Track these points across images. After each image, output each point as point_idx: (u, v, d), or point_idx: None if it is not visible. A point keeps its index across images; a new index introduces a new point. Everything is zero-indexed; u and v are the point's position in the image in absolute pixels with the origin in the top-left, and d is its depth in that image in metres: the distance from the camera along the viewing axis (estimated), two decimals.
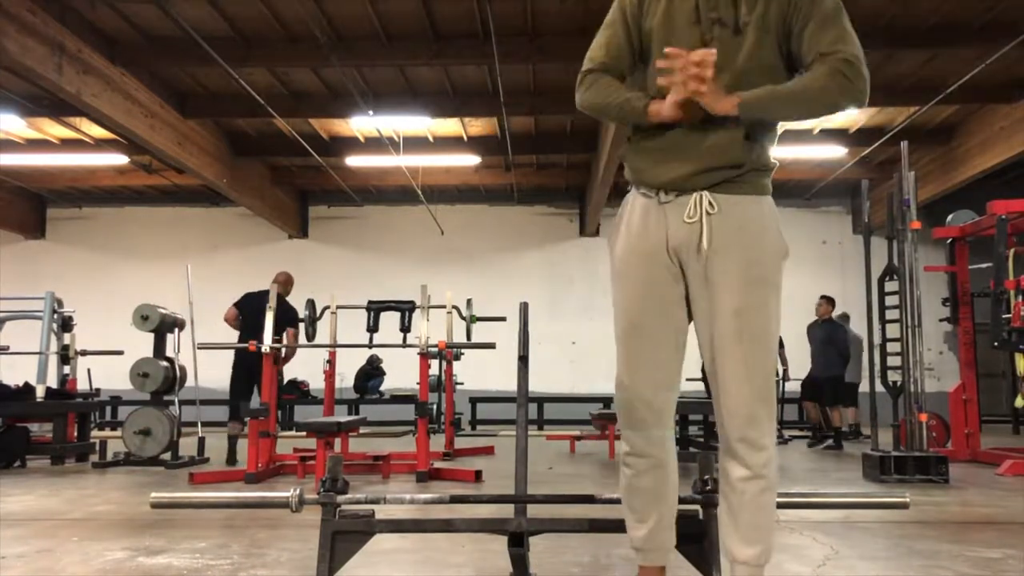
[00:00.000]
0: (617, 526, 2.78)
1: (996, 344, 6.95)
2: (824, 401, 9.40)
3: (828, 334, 9.47)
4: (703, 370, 2.22)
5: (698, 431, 8.91)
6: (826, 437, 9.30)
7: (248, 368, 7.22)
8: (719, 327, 2.07)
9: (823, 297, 9.73)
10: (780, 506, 2.56)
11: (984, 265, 8.05)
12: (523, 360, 2.75)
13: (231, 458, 7.31)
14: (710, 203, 2.07)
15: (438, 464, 6.80)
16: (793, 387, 10.59)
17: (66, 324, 9.55)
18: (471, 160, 12.88)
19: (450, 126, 11.90)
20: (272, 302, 6.64)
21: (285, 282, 7.77)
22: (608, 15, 2.25)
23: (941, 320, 10.81)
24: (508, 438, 10.66)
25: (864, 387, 7.25)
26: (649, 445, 2.14)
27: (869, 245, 6.90)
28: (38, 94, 9.59)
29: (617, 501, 2.70)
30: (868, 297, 6.88)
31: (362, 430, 9.16)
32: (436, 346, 6.87)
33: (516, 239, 15.36)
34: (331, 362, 7.60)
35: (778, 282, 2.11)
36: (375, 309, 7.25)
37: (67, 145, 12.18)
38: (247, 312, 7.56)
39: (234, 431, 7.53)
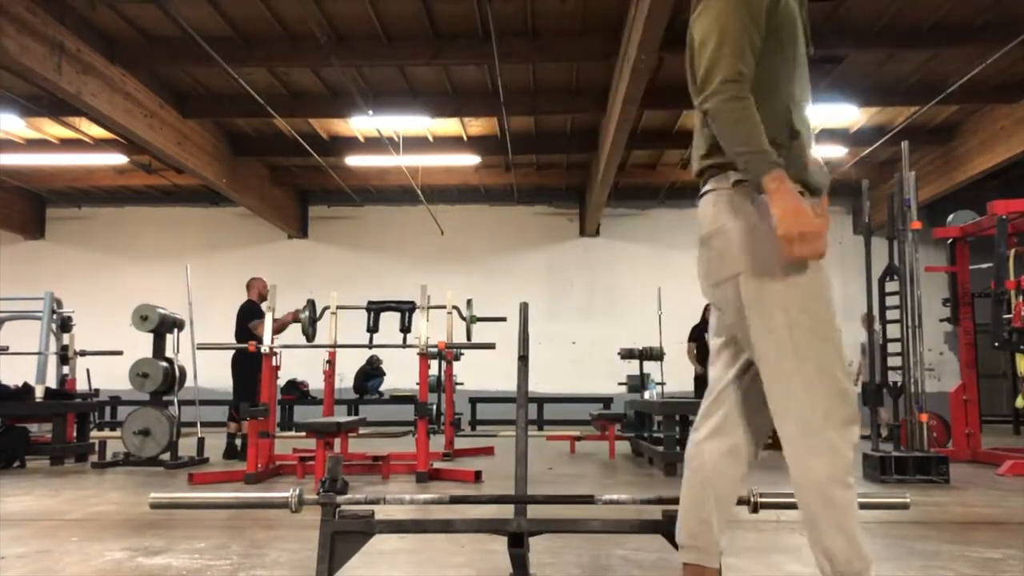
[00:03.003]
0: (617, 527, 2.78)
1: (997, 344, 6.94)
2: None
3: None
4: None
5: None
6: None
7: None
8: None
9: None
10: (780, 507, 2.55)
11: (985, 265, 8.04)
12: (523, 360, 2.75)
13: (227, 453, 7.94)
14: None
15: (438, 464, 6.79)
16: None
17: (65, 324, 9.55)
18: (471, 160, 12.87)
19: (450, 126, 11.89)
20: (274, 303, 6.76)
21: (264, 287, 8.30)
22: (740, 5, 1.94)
23: (941, 320, 10.80)
24: (508, 438, 10.65)
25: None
26: None
27: (870, 245, 6.90)
28: (37, 94, 9.59)
29: (617, 502, 2.70)
30: (869, 297, 6.87)
31: (362, 430, 9.15)
32: (436, 346, 6.88)
33: (516, 239, 15.35)
34: (331, 362, 7.61)
35: None
36: (375, 309, 7.26)
37: (66, 145, 12.18)
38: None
39: (231, 430, 8.10)
